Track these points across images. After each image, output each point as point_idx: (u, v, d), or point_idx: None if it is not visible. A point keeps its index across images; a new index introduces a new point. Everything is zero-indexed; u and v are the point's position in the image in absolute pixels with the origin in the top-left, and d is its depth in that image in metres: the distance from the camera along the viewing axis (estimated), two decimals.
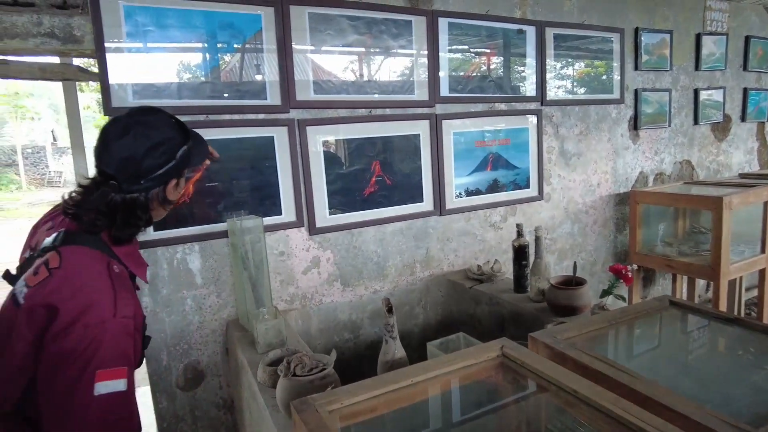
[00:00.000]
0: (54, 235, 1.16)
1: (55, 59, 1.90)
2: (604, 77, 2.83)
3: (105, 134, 1.17)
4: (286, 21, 1.90)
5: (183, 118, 1.78)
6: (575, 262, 1.95)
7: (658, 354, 1.41)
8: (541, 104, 2.59)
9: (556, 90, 2.64)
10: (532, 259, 2.00)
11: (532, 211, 2.66)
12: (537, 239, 1.95)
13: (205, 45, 1.82)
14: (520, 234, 2.05)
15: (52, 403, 1.01)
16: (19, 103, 17.05)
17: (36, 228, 1.31)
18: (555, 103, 2.65)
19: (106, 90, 1.68)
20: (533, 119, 2.58)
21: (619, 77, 2.87)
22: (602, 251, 3.00)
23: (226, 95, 1.86)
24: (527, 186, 2.61)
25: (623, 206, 3.04)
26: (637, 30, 2.91)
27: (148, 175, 1.17)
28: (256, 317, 1.69)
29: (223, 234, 1.90)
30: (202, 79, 1.83)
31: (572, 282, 1.83)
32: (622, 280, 1.81)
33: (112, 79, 1.69)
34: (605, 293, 1.82)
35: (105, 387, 1.01)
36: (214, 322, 1.94)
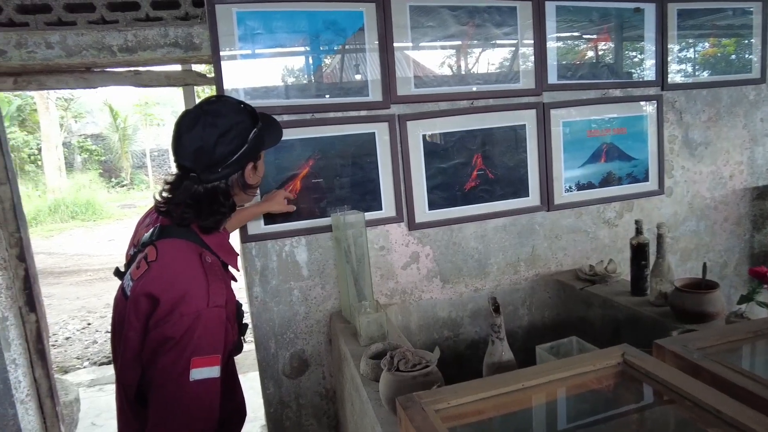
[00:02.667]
0: (151, 230, 1.23)
1: (178, 67, 2.06)
2: (734, 57, 2.49)
3: (177, 128, 1.19)
4: (388, 14, 1.90)
5: (290, 117, 1.87)
6: (705, 263, 1.73)
7: None
8: (662, 89, 2.35)
9: (676, 73, 2.38)
10: (652, 259, 1.81)
11: (652, 206, 2.42)
12: (659, 237, 1.76)
13: (309, 47, 1.87)
14: (639, 231, 1.87)
15: (153, 386, 1.08)
16: (149, 111, 19.12)
17: (138, 226, 1.39)
18: (677, 87, 2.38)
19: (220, 92, 1.79)
20: (652, 106, 2.34)
21: (758, 55, 2.50)
22: (735, 252, 2.66)
23: (328, 95, 1.91)
24: (646, 179, 2.37)
25: (762, 201, 2.66)
26: None
27: (223, 162, 1.18)
28: (358, 310, 1.71)
29: (328, 228, 1.95)
30: (306, 80, 1.89)
31: (701, 285, 1.64)
32: (766, 286, 1.57)
33: (226, 82, 1.80)
34: (744, 299, 1.60)
35: (200, 373, 1.06)
36: (318, 313, 2.00)
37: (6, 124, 14.36)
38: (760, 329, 1.20)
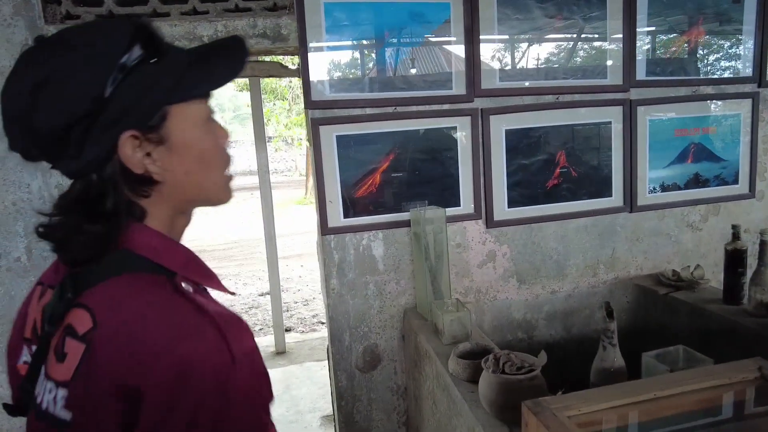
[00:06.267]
0: (55, 291, 0.65)
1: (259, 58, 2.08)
2: None
3: None
4: (475, 6, 1.85)
5: (373, 111, 1.85)
6: None
7: None
8: (758, 86, 2.21)
9: None
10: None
11: (740, 210, 2.28)
12: (762, 243, 1.65)
13: (394, 39, 1.85)
14: (736, 236, 1.76)
15: None
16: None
17: (19, 320, 0.73)
18: None
19: (307, 84, 1.80)
20: (747, 103, 2.21)
21: None
22: None
23: (411, 88, 1.88)
24: (735, 182, 2.24)
25: None
26: None
27: (57, 139, 0.60)
28: (440, 307, 1.69)
29: (404, 223, 1.92)
30: (391, 72, 1.86)
31: None
32: None
33: (312, 73, 1.79)
34: None
35: None
36: (392, 308, 1.98)
37: None
38: None
